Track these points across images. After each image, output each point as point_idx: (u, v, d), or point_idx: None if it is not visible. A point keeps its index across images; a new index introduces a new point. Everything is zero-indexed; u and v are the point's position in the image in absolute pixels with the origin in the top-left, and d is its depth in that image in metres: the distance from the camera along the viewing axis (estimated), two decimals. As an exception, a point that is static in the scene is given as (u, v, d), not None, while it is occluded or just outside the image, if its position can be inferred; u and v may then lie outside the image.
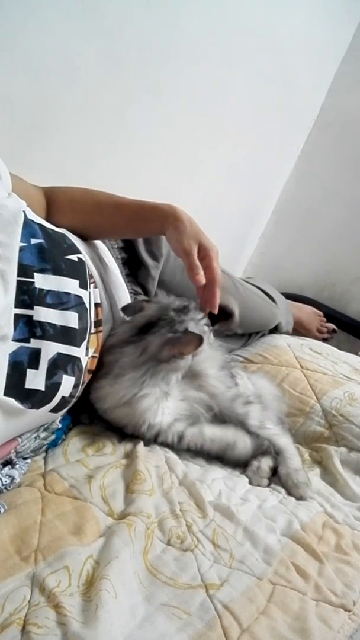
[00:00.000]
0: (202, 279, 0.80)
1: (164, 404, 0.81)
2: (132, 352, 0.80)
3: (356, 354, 1.46)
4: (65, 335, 0.68)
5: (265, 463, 0.87)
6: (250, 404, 0.92)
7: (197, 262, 0.80)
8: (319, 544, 0.70)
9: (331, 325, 1.61)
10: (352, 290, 1.76)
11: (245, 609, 0.57)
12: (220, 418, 0.90)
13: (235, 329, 0.89)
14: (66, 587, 0.53)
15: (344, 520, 0.78)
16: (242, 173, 1.72)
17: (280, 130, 1.78)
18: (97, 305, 0.80)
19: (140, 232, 0.96)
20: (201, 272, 0.80)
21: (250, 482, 0.84)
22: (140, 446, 0.79)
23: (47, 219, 0.79)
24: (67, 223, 0.85)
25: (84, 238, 0.90)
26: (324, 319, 1.62)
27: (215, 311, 0.85)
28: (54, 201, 0.89)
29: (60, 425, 0.76)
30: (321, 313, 1.63)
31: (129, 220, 0.90)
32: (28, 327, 0.64)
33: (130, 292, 0.99)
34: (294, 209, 1.91)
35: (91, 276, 0.80)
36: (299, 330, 1.56)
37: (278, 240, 1.93)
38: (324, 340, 1.58)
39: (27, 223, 0.69)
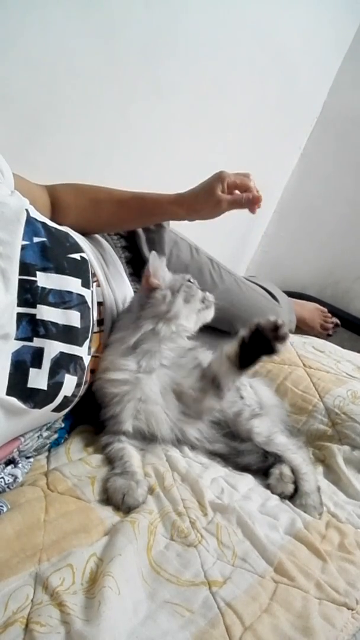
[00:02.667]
0: (259, 200, 0.83)
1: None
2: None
3: (359, 352, 1.46)
4: (68, 334, 0.68)
5: (287, 468, 0.83)
6: (256, 417, 0.86)
7: (241, 195, 0.83)
8: (322, 542, 0.70)
9: (335, 320, 1.60)
10: (355, 288, 1.75)
11: (248, 607, 0.57)
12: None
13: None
14: (70, 585, 0.53)
15: (347, 519, 0.78)
16: (244, 169, 1.71)
17: (282, 128, 1.77)
18: (99, 304, 0.81)
19: (145, 224, 0.98)
20: (255, 196, 0.83)
21: (274, 491, 0.80)
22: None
23: (52, 218, 0.79)
24: (72, 219, 0.86)
25: (91, 232, 0.91)
26: (328, 315, 1.61)
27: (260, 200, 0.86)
28: (57, 199, 0.89)
29: (62, 425, 0.77)
30: (325, 309, 1.62)
31: (133, 215, 0.91)
32: (31, 326, 0.64)
33: (134, 291, 0.99)
34: (297, 207, 1.90)
35: (94, 275, 0.80)
36: (303, 328, 1.56)
37: (280, 239, 1.93)
38: (328, 336, 1.57)
39: (30, 221, 0.69)
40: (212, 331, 1.19)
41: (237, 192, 0.85)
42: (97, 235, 0.96)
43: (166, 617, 0.53)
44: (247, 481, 0.81)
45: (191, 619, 0.54)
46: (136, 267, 1.03)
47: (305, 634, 0.55)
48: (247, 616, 0.55)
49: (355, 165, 1.76)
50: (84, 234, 0.89)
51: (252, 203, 0.83)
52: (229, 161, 1.67)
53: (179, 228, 1.14)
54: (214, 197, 0.82)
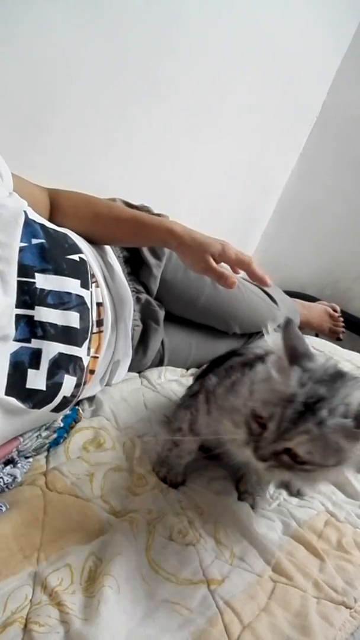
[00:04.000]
0: (233, 283, 0.79)
1: None
2: None
3: (359, 351, 1.46)
4: (67, 335, 0.68)
5: None
6: None
7: (220, 271, 0.80)
8: (319, 541, 0.70)
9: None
10: (355, 288, 1.75)
11: (247, 606, 0.57)
12: None
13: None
14: (68, 585, 0.54)
15: (346, 519, 0.78)
16: (243, 171, 1.71)
17: (281, 127, 1.77)
18: (99, 304, 0.81)
19: (138, 245, 0.98)
20: (230, 277, 0.79)
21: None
22: (139, 446, 0.80)
23: (50, 221, 0.79)
24: (68, 227, 0.86)
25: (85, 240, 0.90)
26: (338, 318, 1.58)
27: (269, 284, 0.83)
28: (57, 204, 0.89)
29: (62, 424, 0.77)
30: (335, 311, 1.59)
31: (128, 236, 0.90)
32: (29, 328, 0.64)
33: (133, 291, 0.99)
34: (296, 207, 1.90)
35: (93, 276, 0.80)
36: (310, 330, 1.54)
37: (280, 239, 1.93)
38: (338, 339, 1.55)
39: (28, 223, 0.69)
40: (209, 330, 1.20)
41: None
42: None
43: (165, 616, 0.53)
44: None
45: (190, 618, 0.54)
46: (134, 266, 1.03)
47: (303, 633, 0.56)
48: (245, 615, 0.56)
49: (355, 165, 1.76)
50: None
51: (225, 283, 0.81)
52: (229, 161, 1.68)
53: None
54: (203, 258, 0.80)
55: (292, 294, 1.61)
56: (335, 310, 1.59)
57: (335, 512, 0.79)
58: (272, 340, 0.61)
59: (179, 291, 1.10)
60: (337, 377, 0.57)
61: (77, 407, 0.87)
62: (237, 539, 0.67)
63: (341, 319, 1.57)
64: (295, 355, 0.58)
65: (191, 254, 0.82)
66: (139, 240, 0.93)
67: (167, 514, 0.67)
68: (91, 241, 0.91)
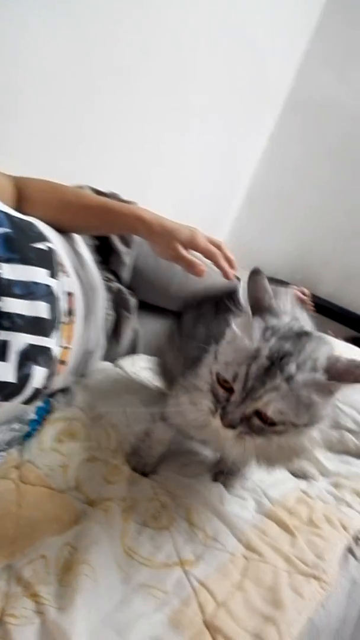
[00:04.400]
0: (202, 271, 0.80)
1: None
2: None
3: (326, 332, 1.49)
4: (36, 325, 0.67)
5: None
6: None
7: (190, 258, 0.80)
8: (290, 518, 0.72)
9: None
10: (324, 272, 1.79)
11: (220, 584, 0.59)
12: None
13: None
14: (43, 576, 0.54)
15: (317, 496, 0.81)
16: (214, 157, 1.71)
17: (250, 113, 1.77)
18: (68, 294, 0.80)
19: (110, 233, 0.97)
20: (198, 265, 0.80)
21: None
22: (113, 435, 0.80)
23: (17, 210, 0.77)
24: (35, 215, 0.84)
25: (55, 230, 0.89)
26: (307, 301, 1.61)
27: (230, 277, 0.82)
28: (24, 193, 0.86)
29: (34, 416, 0.76)
30: (305, 294, 1.61)
31: (97, 223, 0.89)
32: (-4, 319, 0.63)
33: (104, 280, 0.99)
34: (266, 193, 1.92)
35: (62, 265, 0.79)
36: None
37: (251, 225, 1.94)
38: None
39: (-8, 212, 0.67)
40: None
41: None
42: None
43: (141, 600, 0.54)
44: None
45: (165, 600, 0.55)
46: (104, 255, 1.02)
47: (275, 606, 0.58)
48: (219, 593, 0.57)
49: (322, 150, 1.78)
50: None
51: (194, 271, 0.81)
52: (199, 147, 1.67)
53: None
54: (172, 246, 0.80)
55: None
56: (305, 294, 1.62)
57: (307, 490, 0.82)
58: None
59: (150, 279, 1.09)
60: (302, 334, 0.55)
61: (50, 398, 0.86)
62: (209, 519, 0.68)
63: (311, 302, 1.61)
64: (259, 308, 0.56)
65: (160, 241, 0.82)
66: (108, 228, 0.91)
67: (140, 501, 0.68)
68: (59, 230, 0.89)
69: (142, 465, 0.76)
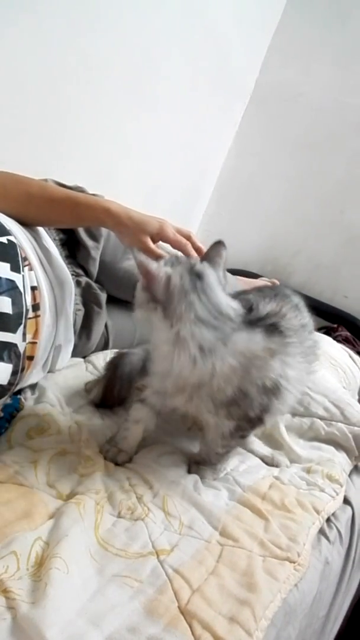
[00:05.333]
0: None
1: None
2: None
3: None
4: (-2, 321, 0.66)
5: None
6: None
7: (158, 252, 0.79)
8: (263, 503, 0.73)
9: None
10: (294, 263, 1.81)
11: (195, 571, 0.59)
12: None
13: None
14: (14, 572, 0.53)
15: (290, 481, 0.82)
16: (181, 149, 1.71)
17: (217, 105, 1.77)
18: (33, 288, 0.78)
19: (76, 226, 0.95)
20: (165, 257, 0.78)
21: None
22: (85, 428, 0.79)
23: None
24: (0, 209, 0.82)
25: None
26: None
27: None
28: None
29: (2, 414, 0.75)
30: (274, 284, 1.63)
31: (63, 216, 0.87)
32: None
33: (72, 274, 0.97)
34: (235, 185, 1.93)
35: (25, 259, 0.77)
36: None
37: (221, 217, 1.95)
38: None
39: None
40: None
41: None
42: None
43: (115, 590, 0.54)
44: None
45: (140, 589, 0.55)
46: (71, 249, 1.00)
47: (249, 589, 0.58)
48: (194, 579, 0.58)
49: (288, 142, 1.81)
50: None
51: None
52: (166, 140, 1.66)
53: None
54: (140, 238, 0.79)
55: (234, 272, 1.64)
56: (275, 285, 1.63)
57: (280, 476, 0.83)
58: None
59: (118, 273, 1.08)
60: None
61: (19, 396, 0.85)
62: (185, 509, 0.69)
63: None
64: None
65: (128, 233, 0.81)
66: (74, 221, 0.90)
67: (115, 492, 0.68)
68: (24, 223, 0.88)
69: (116, 453, 0.76)
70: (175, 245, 0.82)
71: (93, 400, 0.90)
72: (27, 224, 0.88)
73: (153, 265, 0.67)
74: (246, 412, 0.71)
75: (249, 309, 0.75)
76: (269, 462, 0.88)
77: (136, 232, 0.80)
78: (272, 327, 0.72)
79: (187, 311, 0.66)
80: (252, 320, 0.72)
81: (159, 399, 0.77)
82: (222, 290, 0.72)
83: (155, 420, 0.80)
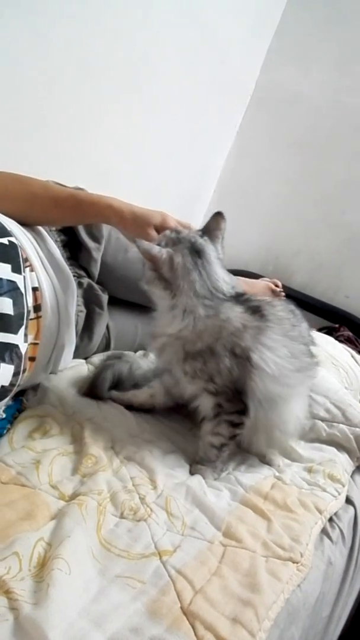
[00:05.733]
0: None
1: None
2: None
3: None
4: (0, 322, 0.66)
5: None
6: None
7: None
8: (265, 503, 0.73)
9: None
10: (295, 262, 1.81)
11: (198, 572, 0.59)
12: None
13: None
14: (17, 573, 0.53)
15: (292, 481, 0.82)
16: (181, 151, 1.71)
17: (217, 107, 1.78)
18: (34, 289, 0.78)
19: (80, 224, 0.97)
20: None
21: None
22: (88, 429, 0.79)
23: None
24: (2, 210, 0.82)
25: (20, 224, 0.87)
26: (281, 293, 1.62)
27: None
28: None
29: (4, 415, 0.75)
30: (277, 287, 1.62)
31: (66, 215, 0.89)
32: None
33: (74, 275, 0.97)
34: (236, 186, 1.93)
35: (26, 260, 0.77)
36: None
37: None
38: None
39: None
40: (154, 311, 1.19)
41: None
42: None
43: (117, 591, 0.54)
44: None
45: (143, 590, 0.55)
46: (73, 251, 1.00)
47: (252, 590, 0.58)
48: (197, 580, 0.58)
49: (288, 142, 1.81)
50: None
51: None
52: (166, 142, 1.66)
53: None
54: (145, 230, 0.82)
55: (235, 272, 1.62)
56: (277, 285, 1.63)
57: (282, 476, 0.83)
58: None
59: (120, 274, 1.09)
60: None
61: (20, 397, 0.85)
62: (188, 510, 0.69)
63: (283, 293, 1.62)
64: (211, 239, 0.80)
65: (133, 227, 0.83)
66: (78, 219, 0.91)
67: (118, 492, 0.68)
68: (27, 223, 0.88)
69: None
70: None
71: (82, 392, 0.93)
72: (31, 223, 0.88)
73: (155, 249, 0.74)
74: (212, 373, 0.77)
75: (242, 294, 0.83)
76: (262, 460, 0.88)
77: (140, 225, 0.82)
78: (255, 308, 0.79)
79: (188, 288, 0.75)
80: (241, 299, 0.80)
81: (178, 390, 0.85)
82: (219, 265, 0.80)
83: (167, 399, 0.90)
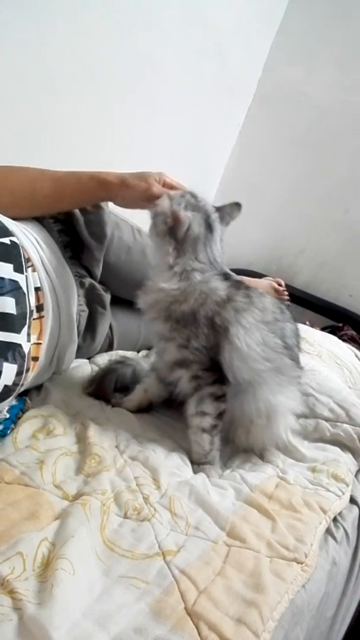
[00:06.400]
0: None
1: None
2: None
3: (304, 323, 1.51)
4: (2, 321, 0.66)
5: None
6: None
7: (166, 190, 0.86)
8: (269, 503, 0.73)
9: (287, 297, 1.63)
10: (298, 262, 1.81)
11: (202, 572, 0.58)
12: None
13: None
14: (20, 573, 0.53)
15: (295, 481, 0.82)
16: (184, 150, 1.71)
17: (219, 106, 1.77)
18: (37, 289, 0.78)
19: (82, 203, 0.96)
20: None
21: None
22: (92, 429, 0.79)
23: None
24: (4, 203, 0.82)
25: (25, 215, 0.88)
26: (283, 292, 1.62)
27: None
28: None
29: (7, 415, 0.75)
30: (280, 285, 1.62)
31: (68, 195, 0.89)
32: None
33: (75, 275, 0.97)
34: (239, 185, 1.92)
35: (28, 260, 0.77)
36: None
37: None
38: None
39: None
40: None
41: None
42: (31, 219, 0.92)
43: (121, 591, 0.54)
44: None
45: (146, 590, 0.55)
46: (75, 250, 1.00)
47: (256, 591, 0.58)
48: (201, 581, 0.57)
49: (291, 142, 1.80)
50: (16, 219, 0.85)
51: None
52: (169, 141, 1.66)
53: (119, 210, 1.12)
54: (147, 180, 0.85)
55: (239, 272, 1.63)
56: (280, 285, 1.63)
57: (286, 476, 0.82)
58: None
59: (122, 274, 1.08)
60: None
61: (24, 397, 0.85)
62: (192, 509, 0.68)
63: (286, 292, 1.62)
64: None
65: (135, 184, 0.86)
66: (80, 195, 0.91)
67: (122, 492, 0.68)
68: (29, 214, 0.89)
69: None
70: (176, 185, 0.89)
71: (88, 392, 0.94)
72: (34, 213, 0.89)
73: (182, 212, 0.81)
74: (189, 335, 0.81)
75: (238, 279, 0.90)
76: (262, 459, 0.88)
77: (142, 179, 0.86)
78: (244, 289, 0.85)
79: (192, 252, 0.82)
80: (233, 280, 0.86)
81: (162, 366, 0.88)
82: (220, 243, 0.88)
83: (160, 390, 0.92)
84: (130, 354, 1.13)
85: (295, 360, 0.90)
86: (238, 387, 0.83)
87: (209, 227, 0.84)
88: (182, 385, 0.84)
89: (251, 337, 0.81)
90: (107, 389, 0.92)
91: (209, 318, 0.80)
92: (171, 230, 0.81)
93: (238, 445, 0.88)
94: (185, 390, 0.84)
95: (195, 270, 0.81)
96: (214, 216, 0.86)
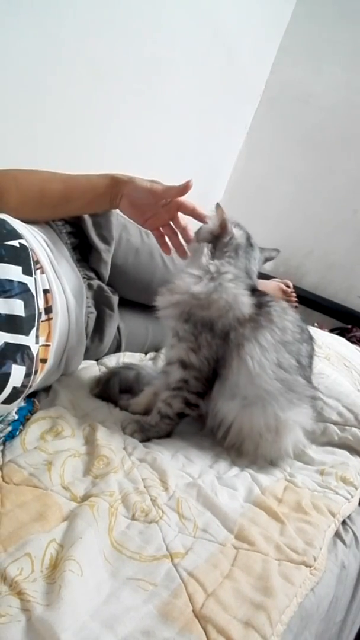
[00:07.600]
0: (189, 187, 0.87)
1: None
2: None
3: (312, 325, 1.50)
4: (11, 323, 0.66)
5: None
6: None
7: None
8: (279, 506, 0.73)
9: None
10: (306, 263, 1.80)
11: (210, 575, 0.58)
12: None
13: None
14: (29, 574, 0.53)
15: (303, 483, 0.81)
16: (192, 152, 1.71)
17: (227, 107, 1.77)
18: (45, 291, 0.79)
19: (92, 204, 0.94)
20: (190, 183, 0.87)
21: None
22: (100, 431, 0.79)
23: None
24: (13, 204, 0.83)
25: (35, 218, 0.88)
26: (291, 294, 1.61)
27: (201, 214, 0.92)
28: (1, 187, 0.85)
29: (16, 417, 0.75)
30: (288, 287, 1.61)
31: (80, 194, 0.89)
32: (-30, 318, 0.62)
33: (83, 277, 0.98)
34: (246, 186, 1.92)
35: (37, 262, 0.78)
36: None
37: (232, 219, 1.95)
38: None
39: None
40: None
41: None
42: (40, 223, 0.93)
43: (129, 593, 0.54)
44: (204, 457, 0.83)
45: (154, 592, 0.55)
46: (83, 253, 1.01)
47: (265, 594, 0.58)
48: (209, 583, 0.57)
49: (298, 142, 1.80)
50: (26, 221, 0.86)
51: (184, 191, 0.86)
52: (177, 143, 1.67)
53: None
54: (155, 181, 0.87)
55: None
56: (288, 286, 1.62)
57: (294, 479, 0.82)
58: None
59: (130, 276, 1.09)
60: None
61: (33, 398, 0.85)
62: (200, 511, 0.68)
63: (294, 294, 1.61)
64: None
65: (143, 180, 0.87)
66: (91, 196, 0.90)
67: (129, 494, 0.68)
68: (40, 217, 0.89)
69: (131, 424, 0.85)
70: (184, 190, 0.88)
71: (94, 393, 0.94)
72: (44, 216, 0.89)
73: (230, 223, 0.88)
74: (201, 344, 0.82)
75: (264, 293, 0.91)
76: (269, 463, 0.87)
77: (150, 181, 0.87)
78: (266, 306, 0.85)
79: (230, 258, 0.86)
80: (259, 296, 0.86)
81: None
82: (255, 262, 0.92)
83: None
84: (137, 357, 1.13)
85: (308, 380, 0.89)
86: (246, 400, 0.82)
87: (251, 244, 0.90)
88: (169, 378, 0.86)
89: (267, 357, 0.81)
90: (112, 390, 0.93)
91: (225, 331, 0.81)
92: (215, 238, 0.87)
93: (245, 456, 0.86)
94: (169, 383, 0.86)
95: (229, 273, 0.83)
96: (253, 240, 0.92)
